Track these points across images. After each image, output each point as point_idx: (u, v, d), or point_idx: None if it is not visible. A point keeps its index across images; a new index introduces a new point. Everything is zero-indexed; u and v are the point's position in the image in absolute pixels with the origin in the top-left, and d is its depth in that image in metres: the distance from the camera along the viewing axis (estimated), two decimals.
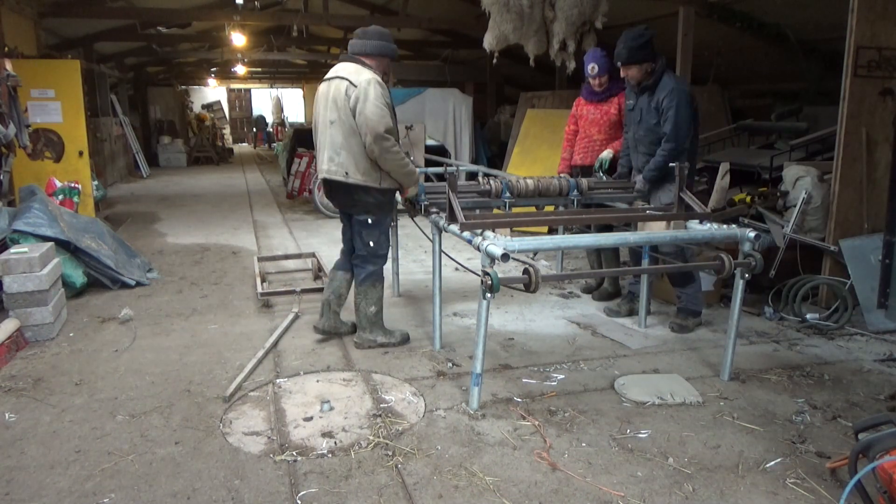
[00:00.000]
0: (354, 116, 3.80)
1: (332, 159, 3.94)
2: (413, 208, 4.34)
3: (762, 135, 7.46)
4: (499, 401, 3.44)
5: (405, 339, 4.27)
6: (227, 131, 25.04)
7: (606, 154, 4.96)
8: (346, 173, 3.90)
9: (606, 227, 4.63)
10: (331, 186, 4.06)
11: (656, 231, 4.00)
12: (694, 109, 4.37)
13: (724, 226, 3.68)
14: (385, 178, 3.94)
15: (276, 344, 4.22)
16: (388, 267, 4.88)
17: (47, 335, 4.32)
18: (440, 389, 3.58)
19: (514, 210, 4.45)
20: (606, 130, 5.06)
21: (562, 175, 4.74)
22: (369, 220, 4.01)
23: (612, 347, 4.24)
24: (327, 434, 3.09)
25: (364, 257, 4.10)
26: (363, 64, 3.92)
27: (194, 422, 3.21)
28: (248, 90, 30.10)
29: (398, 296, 5.34)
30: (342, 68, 3.93)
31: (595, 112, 5.12)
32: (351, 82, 3.81)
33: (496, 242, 3.13)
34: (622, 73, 4.44)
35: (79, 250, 5.27)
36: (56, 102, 7.39)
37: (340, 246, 4.40)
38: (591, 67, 4.94)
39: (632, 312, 4.79)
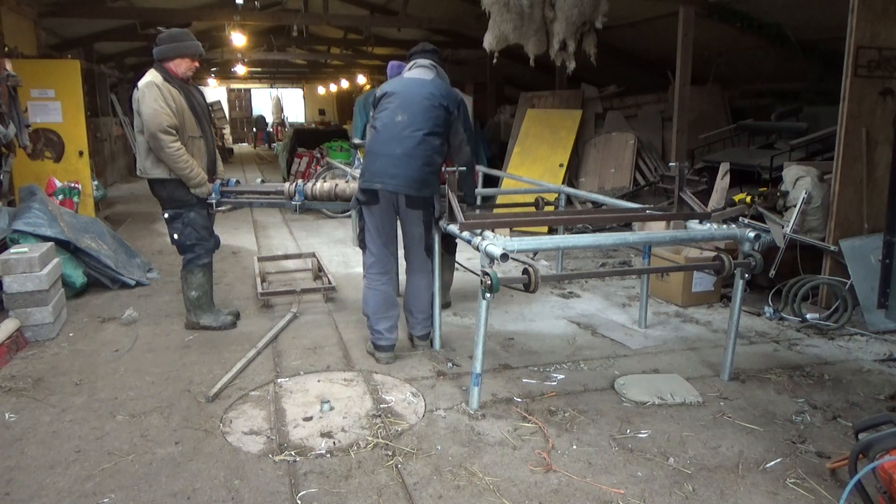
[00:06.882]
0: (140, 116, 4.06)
1: (137, 159, 4.30)
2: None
3: (762, 135, 7.45)
4: (499, 401, 3.44)
5: (229, 325, 4.51)
6: (227, 131, 24.98)
7: None
8: (141, 170, 4.24)
9: None
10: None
11: (655, 231, 4.00)
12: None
13: (724, 226, 3.68)
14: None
15: (268, 345, 4.21)
16: None
17: (47, 335, 4.32)
18: (440, 389, 3.58)
19: (512, 210, 4.43)
20: None
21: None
22: (166, 216, 4.34)
23: (612, 347, 4.25)
24: (327, 434, 3.09)
25: (178, 249, 4.41)
26: (160, 69, 4.10)
27: (194, 422, 3.21)
28: (248, 90, 30.09)
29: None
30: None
31: None
32: (137, 87, 4.08)
33: (495, 242, 3.12)
34: None
35: (79, 250, 5.27)
36: (56, 102, 7.38)
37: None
38: None
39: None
